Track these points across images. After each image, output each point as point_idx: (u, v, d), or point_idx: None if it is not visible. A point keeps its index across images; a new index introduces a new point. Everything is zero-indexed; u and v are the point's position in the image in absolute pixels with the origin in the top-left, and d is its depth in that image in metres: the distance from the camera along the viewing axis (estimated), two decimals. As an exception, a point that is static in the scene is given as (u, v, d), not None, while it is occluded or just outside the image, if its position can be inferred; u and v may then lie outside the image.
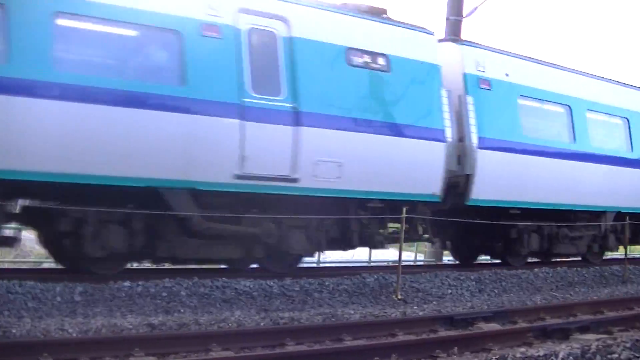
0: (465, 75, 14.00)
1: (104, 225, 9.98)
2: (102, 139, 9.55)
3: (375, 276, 12.47)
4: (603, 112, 17.04)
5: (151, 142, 9.97)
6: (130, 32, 10.48)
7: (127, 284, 9.84)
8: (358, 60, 12.30)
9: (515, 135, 14.64)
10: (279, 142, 11.09)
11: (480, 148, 13.72)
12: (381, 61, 12.60)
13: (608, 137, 17.16)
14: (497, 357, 6.90)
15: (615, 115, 17.43)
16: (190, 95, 10.32)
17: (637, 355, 7.39)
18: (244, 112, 10.67)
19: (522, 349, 7.75)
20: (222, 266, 12.44)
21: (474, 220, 14.06)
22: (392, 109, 12.68)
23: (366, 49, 12.42)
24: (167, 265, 12.47)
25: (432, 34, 13.77)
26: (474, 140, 13.69)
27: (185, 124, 10.25)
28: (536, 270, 15.10)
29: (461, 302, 11.74)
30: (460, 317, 9.85)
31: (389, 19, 13.19)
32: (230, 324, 8.62)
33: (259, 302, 10.37)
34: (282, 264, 12.37)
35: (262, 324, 8.81)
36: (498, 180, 14.07)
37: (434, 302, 11.59)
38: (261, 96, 10.99)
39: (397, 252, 12.32)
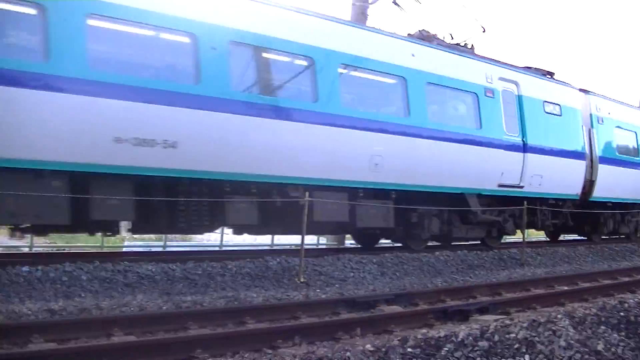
0: (591, 115, 21.40)
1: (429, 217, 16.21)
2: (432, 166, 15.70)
3: (278, 259, 12.71)
4: None
5: (463, 166, 16.31)
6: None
7: (25, 268, 9.77)
8: (548, 108, 19.22)
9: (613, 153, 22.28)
10: (515, 163, 17.74)
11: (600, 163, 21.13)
12: (557, 109, 19.53)
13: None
14: (398, 338, 7.15)
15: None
16: (482, 134, 16.91)
17: (533, 334, 7.93)
18: (503, 145, 17.39)
19: (423, 330, 8.07)
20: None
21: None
22: (563, 139, 19.59)
23: (551, 101, 19.37)
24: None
25: (576, 88, 21.31)
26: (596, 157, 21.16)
27: (480, 154, 16.74)
28: (437, 253, 15.66)
29: (363, 285, 12.09)
30: (362, 299, 10.16)
31: (558, 79, 20.66)
32: (132, 308, 8.70)
33: (161, 286, 10.47)
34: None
35: (164, 307, 8.92)
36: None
37: (337, 285, 11.89)
38: (509, 134, 17.66)
39: (299, 236, 12.59)
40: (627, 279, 14.66)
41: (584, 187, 20.21)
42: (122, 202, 11.24)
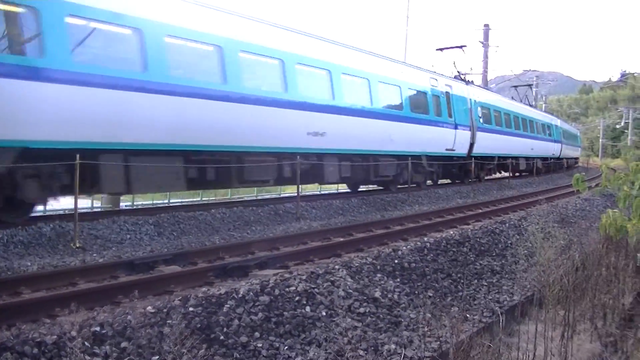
0: (470, 100, 32.16)
1: None
2: None
3: (52, 225, 12.42)
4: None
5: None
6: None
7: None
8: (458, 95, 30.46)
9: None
10: (449, 134, 28.87)
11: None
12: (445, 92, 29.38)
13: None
14: (179, 298, 7.38)
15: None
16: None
17: (312, 286, 8.48)
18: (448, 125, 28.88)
19: (204, 289, 8.39)
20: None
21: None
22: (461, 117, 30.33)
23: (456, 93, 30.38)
24: None
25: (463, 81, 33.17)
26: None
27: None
28: (213, 211, 15.95)
29: (141, 247, 12.18)
30: (140, 261, 10.29)
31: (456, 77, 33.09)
32: None
33: None
34: None
35: None
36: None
37: (114, 248, 11.88)
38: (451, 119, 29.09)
39: (71, 200, 12.36)
40: (399, 227, 15.86)
41: (470, 147, 31.18)
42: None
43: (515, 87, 53.94)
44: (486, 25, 46.38)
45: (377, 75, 22.76)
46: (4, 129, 11.26)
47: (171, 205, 19.17)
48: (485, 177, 36.10)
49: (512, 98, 46.42)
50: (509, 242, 14.24)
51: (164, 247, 12.27)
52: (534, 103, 59.70)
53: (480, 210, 20.50)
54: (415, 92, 25.91)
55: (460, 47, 39.07)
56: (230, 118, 15.99)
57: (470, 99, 31.82)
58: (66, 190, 13.04)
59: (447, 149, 28.58)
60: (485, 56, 45.58)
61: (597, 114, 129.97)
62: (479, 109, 32.86)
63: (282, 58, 17.87)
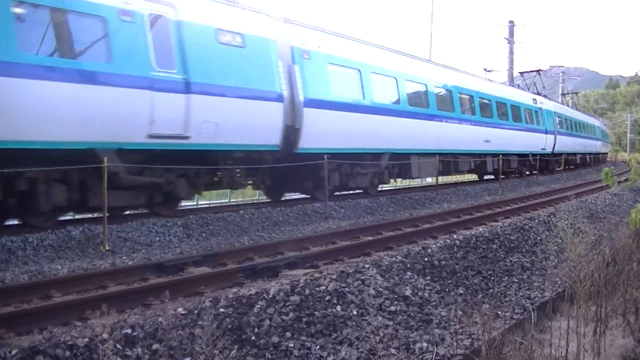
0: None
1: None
2: None
3: (81, 228, 12.47)
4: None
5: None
6: None
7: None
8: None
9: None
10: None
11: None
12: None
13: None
14: (210, 299, 7.37)
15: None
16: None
17: (343, 285, 8.44)
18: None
19: (234, 290, 8.36)
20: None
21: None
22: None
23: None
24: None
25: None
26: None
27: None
28: (242, 212, 15.95)
29: (170, 249, 12.22)
30: (170, 263, 10.28)
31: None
32: None
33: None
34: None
35: (-40, 287, 8.57)
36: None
37: (143, 251, 11.92)
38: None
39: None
40: (427, 225, 15.76)
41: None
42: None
43: (522, 73, 54.47)
44: (511, 22, 46.47)
45: (511, 100, 34.72)
46: None
47: (199, 207, 19.18)
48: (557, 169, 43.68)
49: (519, 85, 47.71)
50: (539, 238, 14.10)
51: (193, 248, 12.28)
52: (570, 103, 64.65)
53: (509, 207, 20.32)
54: (526, 108, 36.92)
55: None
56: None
57: (551, 111, 41.84)
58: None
59: (542, 149, 38.78)
60: (511, 52, 45.46)
61: (624, 109, 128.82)
62: (557, 118, 42.89)
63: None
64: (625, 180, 12.50)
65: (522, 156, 36.12)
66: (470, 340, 7.66)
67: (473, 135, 28.57)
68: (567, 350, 7.69)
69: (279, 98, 17.07)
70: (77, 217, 14.71)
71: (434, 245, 11.57)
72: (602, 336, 8.45)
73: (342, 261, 11.11)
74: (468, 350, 7.31)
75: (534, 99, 39.25)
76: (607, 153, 78.15)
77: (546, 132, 39.64)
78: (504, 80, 46.41)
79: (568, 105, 63.09)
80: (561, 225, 10.68)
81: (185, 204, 17.80)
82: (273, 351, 6.68)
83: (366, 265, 9.43)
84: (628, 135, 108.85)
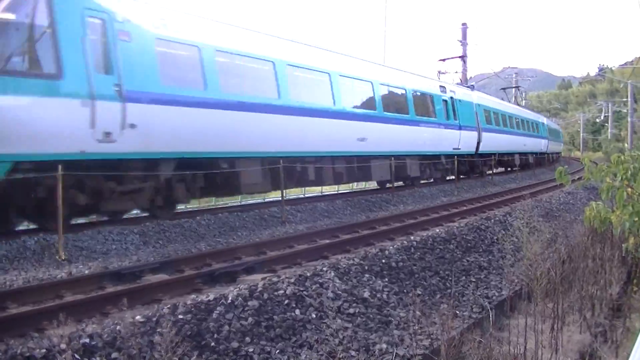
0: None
1: None
2: None
3: (36, 238, 12.31)
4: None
5: None
6: None
7: None
8: None
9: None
10: None
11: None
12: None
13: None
14: (168, 306, 7.39)
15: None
16: None
17: (301, 289, 8.50)
18: None
19: (192, 296, 8.37)
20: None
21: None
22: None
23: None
24: None
25: None
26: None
27: None
28: (198, 218, 15.87)
29: (127, 257, 12.08)
30: (127, 271, 10.20)
31: None
32: None
33: None
34: None
35: None
36: None
37: (100, 259, 11.75)
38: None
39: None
40: (385, 227, 15.89)
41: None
42: None
43: (504, 89, 55.31)
44: (464, 24, 46.60)
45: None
46: None
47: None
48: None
49: (503, 99, 48.02)
50: (495, 237, 14.33)
51: (150, 256, 12.18)
52: (522, 103, 61.93)
53: (465, 208, 20.57)
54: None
55: (462, 57, 44.95)
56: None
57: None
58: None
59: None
60: (464, 54, 45.79)
61: (576, 109, 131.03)
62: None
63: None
64: (579, 178, 12.77)
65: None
66: (429, 340, 7.78)
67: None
68: (525, 347, 7.84)
69: None
70: (31, 227, 14.47)
71: (391, 247, 11.69)
72: (559, 332, 8.64)
73: (300, 265, 11.17)
74: (427, 350, 7.43)
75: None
76: (560, 153, 76.48)
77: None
78: (457, 82, 46.64)
79: (521, 105, 58.91)
80: (517, 225, 10.90)
81: (137, 211, 17.22)
82: (233, 356, 6.70)
83: (324, 269, 9.50)
84: (581, 134, 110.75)
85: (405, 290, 9.83)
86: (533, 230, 10.34)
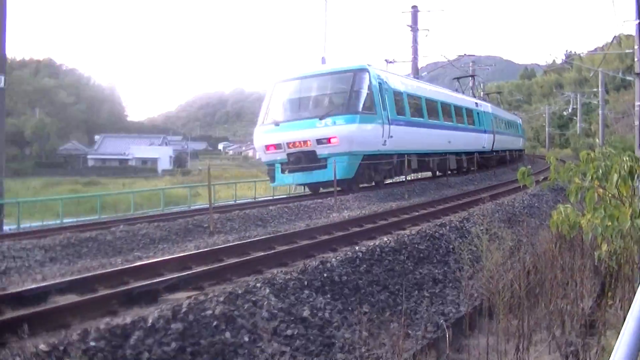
0: None
1: None
2: None
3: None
4: None
5: None
6: None
7: None
8: None
9: None
10: None
11: None
12: None
13: None
14: (78, 332, 7.26)
15: None
16: None
17: (232, 308, 8.46)
18: None
19: (107, 319, 8.20)
20: None
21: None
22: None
23: None
24: None
25: None
26: None
27: None
28: (113, 229, 15.71)
29: (30, 275, 11.89)
30: (29, 293, 9.98)
31: None
32: None
33: None
34: None
35: None
36: None
37: (-3, 280, 11.58)
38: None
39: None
40: (326, 237, 15.83)
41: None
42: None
43: (457, 78, 54.73)
44: (414, 7, 46.82)
45: None
46: None
47: (64, 225, 18.81)
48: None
49: (456, 90, 48.71)
50: (451, 246, 14.47)
51: (57, 274, 11.99)
52: (480, 94, 61.57)
53: (417, 213, 20.72)
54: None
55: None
56: None
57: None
58: None
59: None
60: (415, 41, 46.10)
61: (541, 101, 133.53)
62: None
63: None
64: (545, 179, 12.94)
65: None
66: (377, 363, 7.82)
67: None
68: (486, 370, 7.94)
69: None
70: None
71: (333, 259, 11.71)
72: (525, 353, 8.73)
73: (231, 281, 11.10)
74: (375, 376, 7.46)
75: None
76: (522, 150, 72.51)
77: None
78: (408, 72, 46.95)
79: (473, 95, 57.70)
80: (475, 231, 11.06)
81: (47, 222, 17.26)
82: (153, 388, 6.64)
83: (258, 285, 9.49)
84: (547, 129, 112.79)
85: (350, 308, 9.87)
86: (494, 238, 10.50)
